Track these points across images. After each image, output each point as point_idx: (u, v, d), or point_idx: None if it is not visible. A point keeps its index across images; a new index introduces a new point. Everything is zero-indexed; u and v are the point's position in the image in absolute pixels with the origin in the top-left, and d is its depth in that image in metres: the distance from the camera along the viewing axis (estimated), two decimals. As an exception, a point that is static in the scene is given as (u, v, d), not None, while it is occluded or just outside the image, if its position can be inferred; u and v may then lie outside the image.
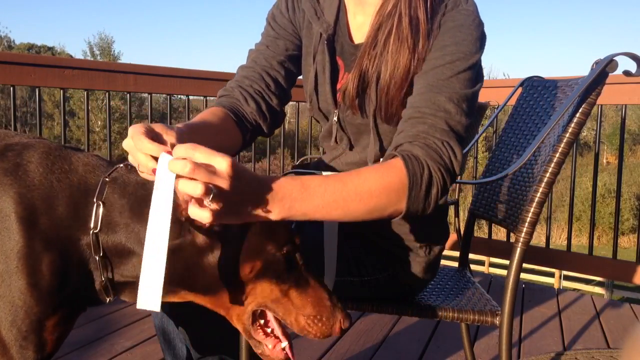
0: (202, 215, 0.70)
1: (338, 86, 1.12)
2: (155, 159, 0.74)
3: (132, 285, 0.85)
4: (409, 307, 1.11)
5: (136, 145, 0.75)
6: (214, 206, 0.70)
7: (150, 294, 0.73)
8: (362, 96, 1.05)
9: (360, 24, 1.11)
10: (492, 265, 14.38)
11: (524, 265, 1.14)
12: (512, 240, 1.13)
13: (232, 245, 0.80)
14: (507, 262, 1.28)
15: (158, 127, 0.79)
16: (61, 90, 2.74)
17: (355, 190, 0.84)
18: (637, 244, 2.84)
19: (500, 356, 1.10)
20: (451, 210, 3.03)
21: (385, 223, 1.10)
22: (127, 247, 0.82)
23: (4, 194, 0.81)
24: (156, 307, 0.73)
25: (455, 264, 1.54)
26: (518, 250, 1.09)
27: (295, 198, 0.79)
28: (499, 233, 4.95)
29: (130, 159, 0.80)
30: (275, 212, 0.77)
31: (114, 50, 36.60)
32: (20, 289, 0.80)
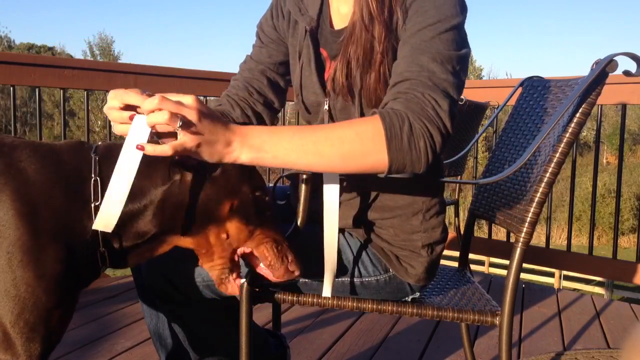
0: (161, 149, 0.79)
1: (325, 76, 1.13)
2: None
3: (133, 250, 0.92)
4: (409, 307, 1.11)
5: (124, 98, 0.83)
6: (184, 137, 0.78)
7: (108, 218, 0.85)
8: (350, 81, 1.06)
9: (344, 15, 1.12)
10: (492, 265, 14.37)
11: (524, 265, 1.14)
12: (512, 240, 1.13)
13: (215, 184, 0.89)
14: (507, 262, 1.28)
15: (135, 91, 0.84)
16: (61, 90, 2.74)
17: (325, 135, 0.86)
18: (637, 244, 2.84)
19: (500, 356, 1.10)
20: (451, 210, 3.04)
21: (388, 225, 1.10)
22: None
23: (1, 192, 0.83)
24: (110, 229, 0.85)
25: (455, 264, 1.54)
26: (518, 250, 1.09)
27: (264, 140, 0.84)
28: (499, 233, 4.95)
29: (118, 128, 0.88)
30: (245, 153, 0.84)
31: (114, 50, 36.63)
32: (26, 281, 0.81)
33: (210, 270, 0.95)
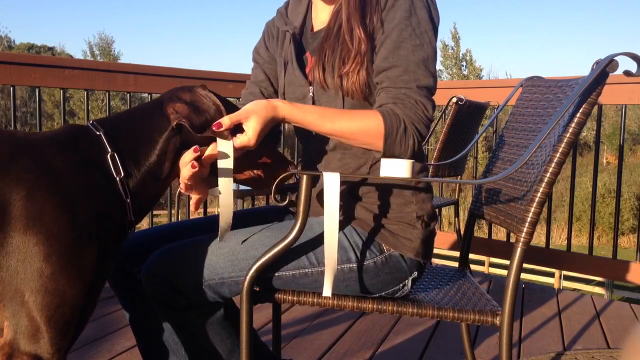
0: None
1: (307, 70, 1.26)
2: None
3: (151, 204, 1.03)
4: (409, 307, 1.11)
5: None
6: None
7: (226, 227, 1.05)
8: (326, 75, 1.19)
9: (323, 21, 1.26)
10: (492, 265, 14.37)
11: (524, 265, 1.14)
12: (512, 240, 1.14)
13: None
14: (507, 262, 1.28)
15: None
16: (61, 90, 2.74)
17: (341, 128, 1.10)
18: (637, 244, 2.84)
19: (500, 356, 1.10)
20: (451, 210, 3.05)
21: (381, 201, 1.16)
22: (150, 169, 0.97)
23: (36, 189, 0.81)
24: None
25: (455, 264, 1.54)
26: (518, 250, 1.09)
27: (292, 112, 1.07)
28: (499, 233, 4.96)
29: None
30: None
31: (114, 50, 36.61)
32: (67, 275, 0.81)
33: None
